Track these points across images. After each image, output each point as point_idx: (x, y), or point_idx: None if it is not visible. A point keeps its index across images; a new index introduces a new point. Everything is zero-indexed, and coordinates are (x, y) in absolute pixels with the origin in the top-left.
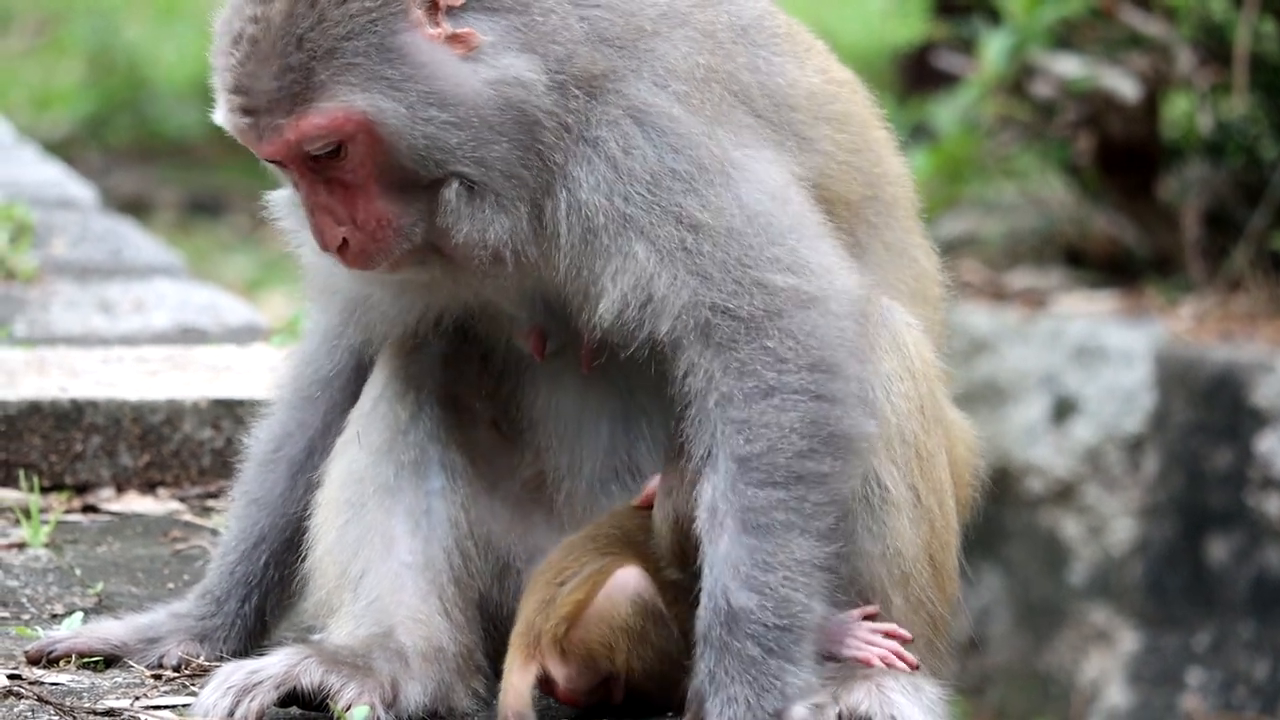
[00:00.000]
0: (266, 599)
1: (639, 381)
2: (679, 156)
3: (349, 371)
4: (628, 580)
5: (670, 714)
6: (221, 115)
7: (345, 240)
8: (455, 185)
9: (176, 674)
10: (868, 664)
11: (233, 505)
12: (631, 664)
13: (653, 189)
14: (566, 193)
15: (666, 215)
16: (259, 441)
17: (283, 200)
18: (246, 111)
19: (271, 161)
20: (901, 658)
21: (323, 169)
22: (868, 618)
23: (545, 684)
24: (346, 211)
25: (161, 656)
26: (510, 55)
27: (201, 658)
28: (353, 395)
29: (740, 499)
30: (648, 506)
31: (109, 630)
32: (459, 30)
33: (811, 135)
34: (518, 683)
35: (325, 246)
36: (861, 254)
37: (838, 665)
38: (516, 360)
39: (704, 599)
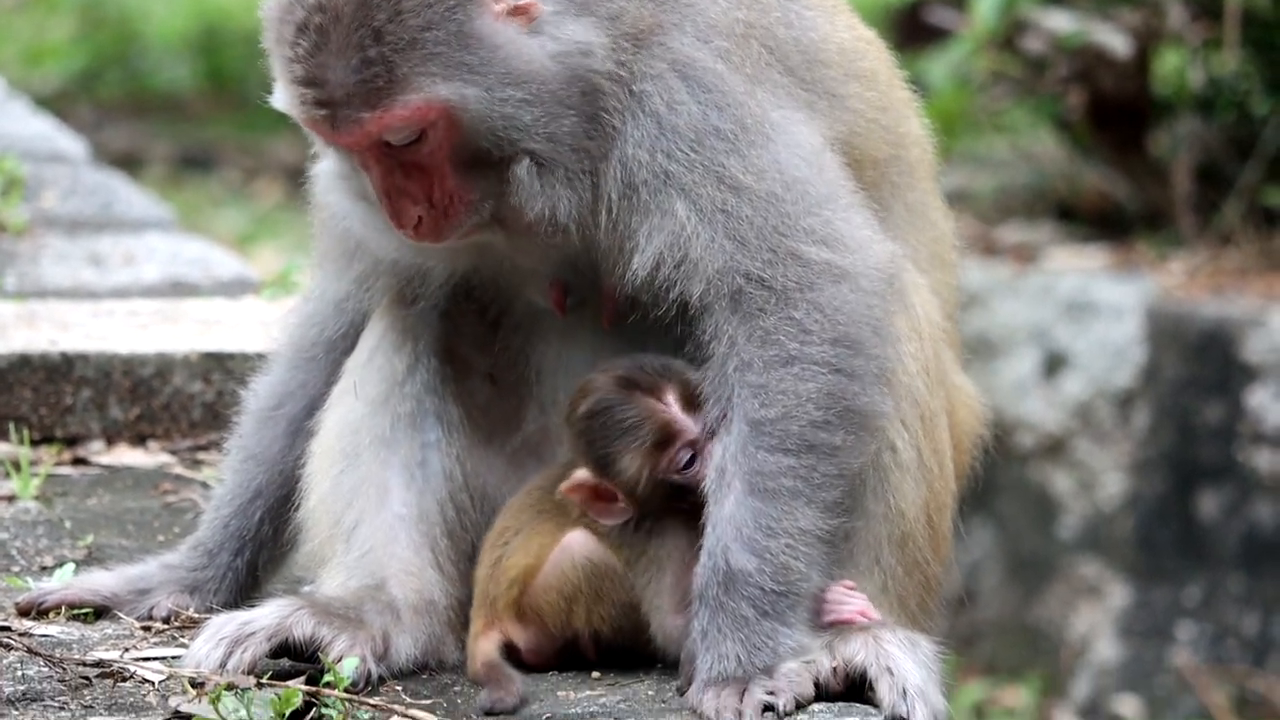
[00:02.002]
0: (259, 553)
1: (653, 339)
2: (722, 115)
3: (353, 335)
4: (574, 546)
5: (661, 665)
6: (289, 105)
7: (419, 218)
8: (526, 162)
9: (166, 626)
10: (850, 623)
11: (228, 459)
12: (594, 624)
13: (696, 147)
14: (618, 150)
15: (709, 174)
16: (257, 398)
17: (327, 174)
18: (321, 104)
19: (344, 148)
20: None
21: (398, 154)
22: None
23: (511, 649)
24: (422, 192)
25: (152, 608)
26: (570, 22)
27: (191, 609)
28: None
29: (750, 462)
30: None
31: (99, 582)
32: (519, 2)
33: (842, 92)
34: (484, 647)
35: (401, 226)
36: (885, 215)
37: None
38: (527, 314)
39: (703, 557)
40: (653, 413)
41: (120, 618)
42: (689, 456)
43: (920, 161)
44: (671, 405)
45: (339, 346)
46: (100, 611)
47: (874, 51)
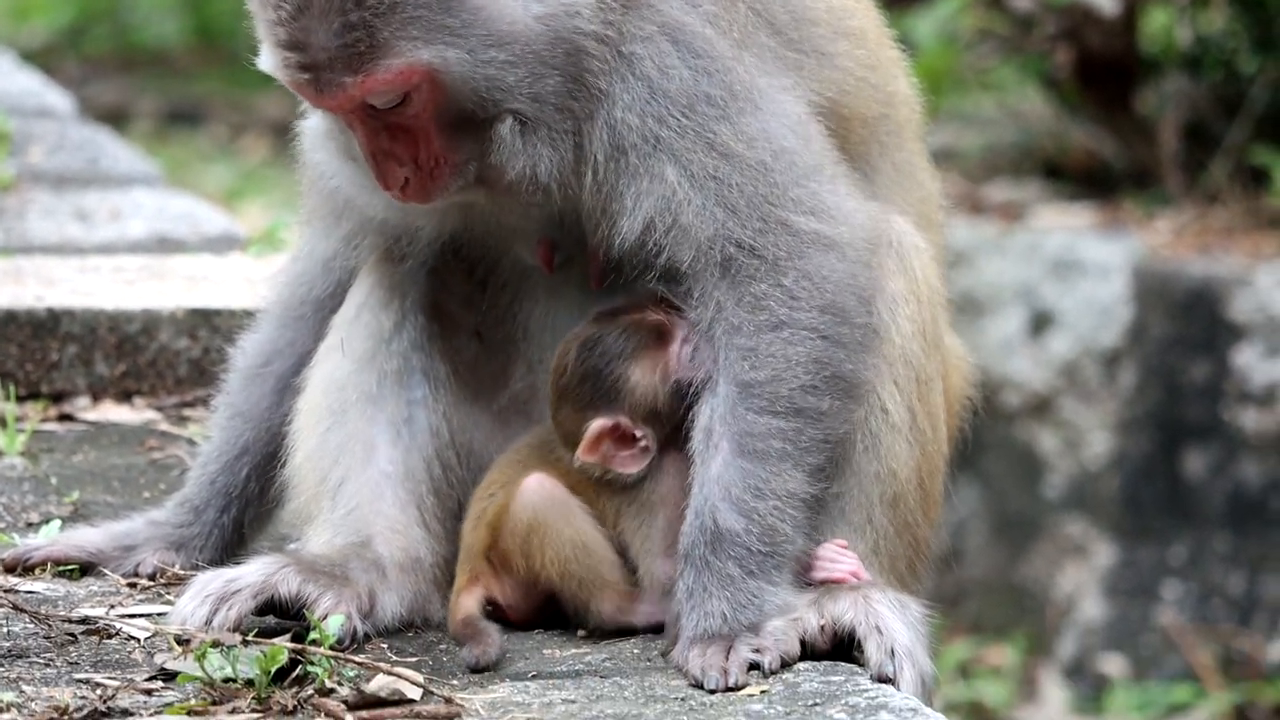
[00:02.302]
0: (245, 511)
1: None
2: (712, 80)
3: (341, 294)
4: (528, 486)
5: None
6: (274, 68)
7: (406, 179)
8: (510, 121)
9: (152, 583)
10: (840, 582)
11: (215, 416)
12: (546, 566)
13: (687, 112)
14: (604, 112)
15: (699, 140)
16: (245, 355)
17: (314, 131)
18: (305, 68)
19: (329, 110)
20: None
21: (383, 116)
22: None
23: (495, 606)
24: (408, 154)
25: (138, 565)
26: None
27: (177, 566)
28: None
29: (739, 423)
30: None
31: (85, 538)
32: None
33: (831, 50)
34: (465, 602)
35: (388, 187)
36: (873, 174)
37: (818, 585)
38: (515, 272)
39: (690, 517)
40: (640, 320)
41: (106, 574)
42: (692, 348)
43: (909, 121)
44: (653, 310)
45: (327, 305)
46: (86, 568)
47: (863, 10)
